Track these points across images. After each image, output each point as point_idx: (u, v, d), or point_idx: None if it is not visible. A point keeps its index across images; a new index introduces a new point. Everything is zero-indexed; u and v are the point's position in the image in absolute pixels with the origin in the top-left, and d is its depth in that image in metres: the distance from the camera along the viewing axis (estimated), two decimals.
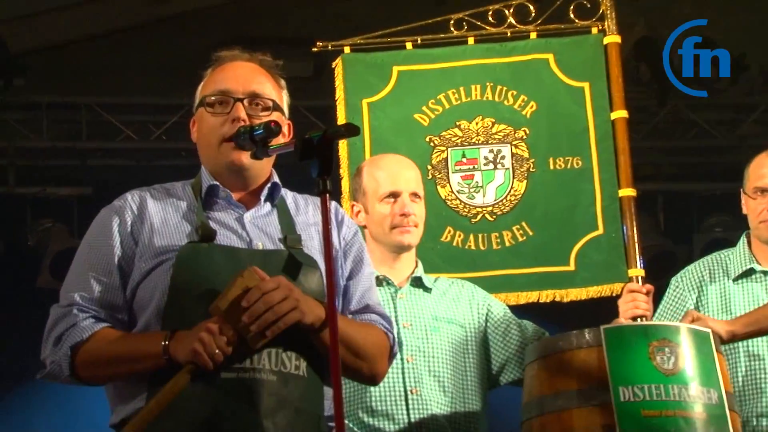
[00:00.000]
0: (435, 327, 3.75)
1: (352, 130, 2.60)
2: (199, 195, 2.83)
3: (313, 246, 2.83)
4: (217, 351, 2.53)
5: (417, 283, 3.83)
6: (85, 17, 7.38)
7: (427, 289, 3.84)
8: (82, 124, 7.78)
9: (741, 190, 4.20)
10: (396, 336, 3.66)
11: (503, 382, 3.83)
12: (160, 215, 2.79)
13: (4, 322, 7.21)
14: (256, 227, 2.81)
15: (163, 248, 2.72)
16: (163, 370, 2.58)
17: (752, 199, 4.09)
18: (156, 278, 2.69)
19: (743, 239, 4.18)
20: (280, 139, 2.76)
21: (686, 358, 3.21)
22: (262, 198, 2.86)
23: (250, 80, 2.85)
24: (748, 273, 4.07)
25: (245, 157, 2.78)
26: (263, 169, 2.87)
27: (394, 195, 3.80)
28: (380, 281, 3.77)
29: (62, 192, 7.69)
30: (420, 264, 3.90)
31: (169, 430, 2.53)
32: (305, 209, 2.93)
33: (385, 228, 3.79)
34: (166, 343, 2.58)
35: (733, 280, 4.07)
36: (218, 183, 2.83)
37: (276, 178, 2.90)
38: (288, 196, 2.94)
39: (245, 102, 2.81)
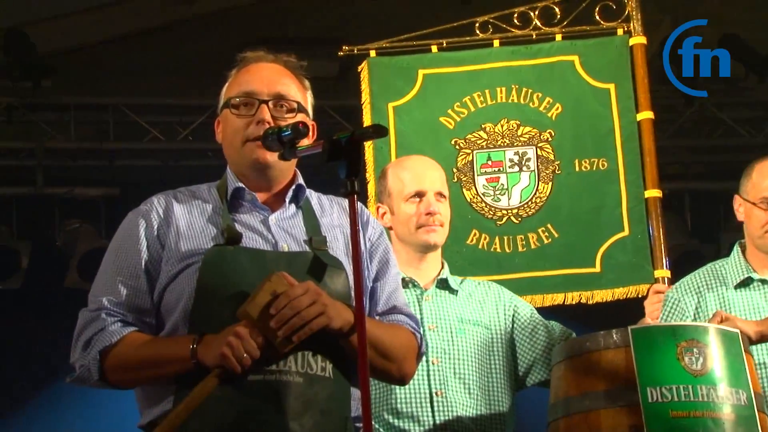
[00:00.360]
0: (461, 329, 3.75)
1: (380, 131, 2.60)
2: (224, 197, 2.83)
3: (338, 247, 2.83)
4: (245, 355, 2.53)
5: (443, 285, 3.83)
6: (112, 18, 7.43)
7: (453, 291, 3.83)
8: (110, 125, 7.84)
9: (738, 195, 4.11)
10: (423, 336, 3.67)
11: (530, 384, 3.82)
12: (186, 218, 2.80)
13: (32, 322, 7.26)
14: (281, 229, 2.81)
15: (190, 252, 2.72)
16: (191, 373, 2.59)
17: (759, 209, 4.01)
18: (183, 282, 2.70)
19: (737, 248, 4.09)
20: (304, 141, 2.76)
21: (715, 359, 3.18)
22: (287, 200, 2.87)
23: (275, 82, 2.85)
24: (746, 282, 4.00)
25: (270, 155, 2.78)
26: (288, 169, 2.87)
27: (420, 194, 3.80)
28: (406, 283, 3.76)
29: (90, 192, 7.76)
30: (446, 266, 3.89)
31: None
32: (330, 210, 2.93)
33: (410, 228, 3.79)
34: (195, 346, 2.59)
35: (734, 288, 4.01)
36: (243, 185, 2.84)
37: (301, 180, 2.90)
38: (313, 197, 2.94)
39: (270, 104, 2.82)
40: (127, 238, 2.79)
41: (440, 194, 3.83)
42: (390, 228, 3.87)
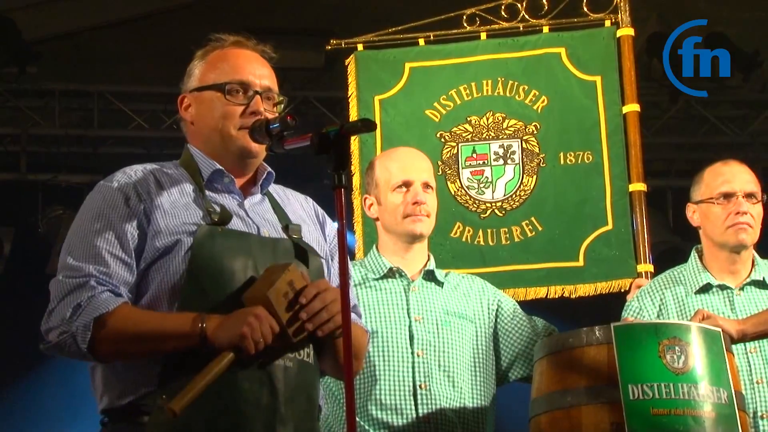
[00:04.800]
0: (446, 321, 3.75)
1: (369, 126, 2.61)
2: (200, 177, 2.82)
3: (306, 238, 2.86)
4: (261, 339, 2.55)
5: (429, 276, 3.83)
6: (98, 6, 7.41)
7: (439, 283, 3.83)
8: (94, 112, 7.82)
9: (690, 203, 4.10)
10: (409, 330, 3.67)
11: (513, 379, 3.84)
12: (167, 195, 2.76)
13: (13, 308, 7.24)
14: (257, 214, 2.84)
15: (177, 229, 2.70)
16: (175, 354, 2.58)
17: (717, 205, 4.00)
18: (171, 258, 2.67)
19: (694, 254, 4.08)
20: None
21: (696, 357, 3.20)
22: (258, 186, 2.89)
23: (264, 74, 2.88)
24: (705, 288, 3.98)
25: (257, 145, 2.81)
26: (262, 157, 2.89)
27: (407, 184, 3.81)
28: (393, 273, 3.78)
29: (73, 179, 7.72)
30: (432, 258, 3.89)
31: (190, 414, 2.50)
32: (288, 202, 2.96)
33: (397, 217, 3.79)
34: (203, 324, 2.56)
35: (694, 294, 4.00)
36: (222, 168, 2.84)
37: (269, 168, 2.92)
38: (271, 185, 2.96)
39: (262, 96, 2.84)
40: (109, 208, 2.72)
41: (427, 185, 3.83)
42: (377, 219, 3.88)
